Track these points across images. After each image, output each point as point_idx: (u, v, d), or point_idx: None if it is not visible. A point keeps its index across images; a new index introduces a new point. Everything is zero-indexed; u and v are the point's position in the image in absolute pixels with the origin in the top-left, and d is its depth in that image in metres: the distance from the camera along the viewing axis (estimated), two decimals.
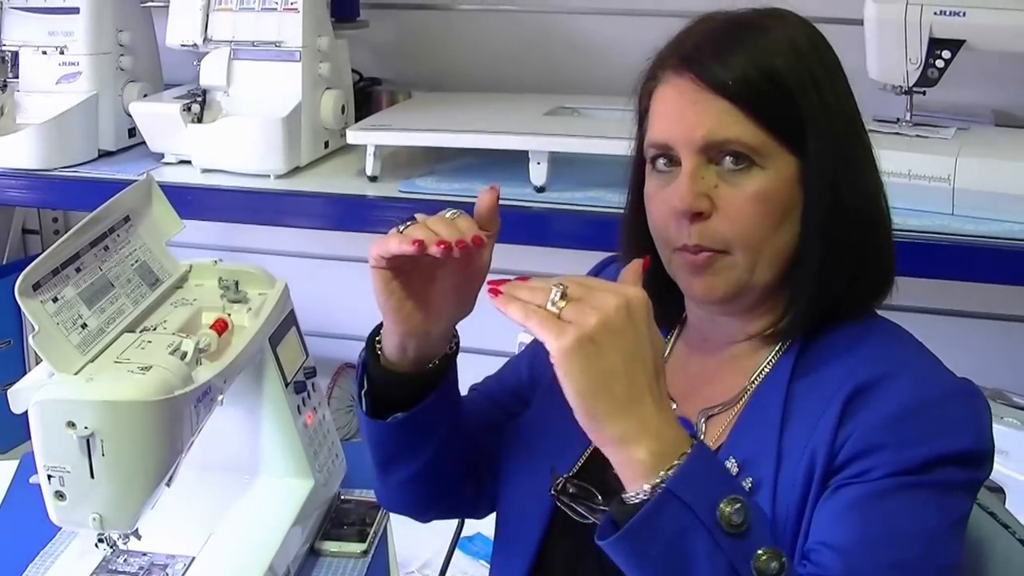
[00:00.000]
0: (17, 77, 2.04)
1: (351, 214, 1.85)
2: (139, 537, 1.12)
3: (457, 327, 1.07)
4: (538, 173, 1.75)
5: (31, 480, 1.42)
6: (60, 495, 1.06)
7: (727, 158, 0.97)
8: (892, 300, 1.05)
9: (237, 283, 1.31)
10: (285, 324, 1.38)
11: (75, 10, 1.99)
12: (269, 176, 1.89)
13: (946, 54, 1.65)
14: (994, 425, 0.97)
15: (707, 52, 0.98)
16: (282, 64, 1.91)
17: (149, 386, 1.06)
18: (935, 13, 1.64)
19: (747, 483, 0.95)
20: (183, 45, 1.97)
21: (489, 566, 1.17)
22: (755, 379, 1.02)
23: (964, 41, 1.64)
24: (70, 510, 1.07)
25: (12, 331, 2.32)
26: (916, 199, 1.58)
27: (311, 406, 1.42)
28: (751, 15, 1.02)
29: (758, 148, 0.97)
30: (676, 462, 0.86)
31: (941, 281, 1.66)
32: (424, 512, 1.20)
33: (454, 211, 0.98)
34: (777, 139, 0.97)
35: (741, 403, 1.02)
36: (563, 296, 0.86)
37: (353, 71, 2.12)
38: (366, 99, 2.20)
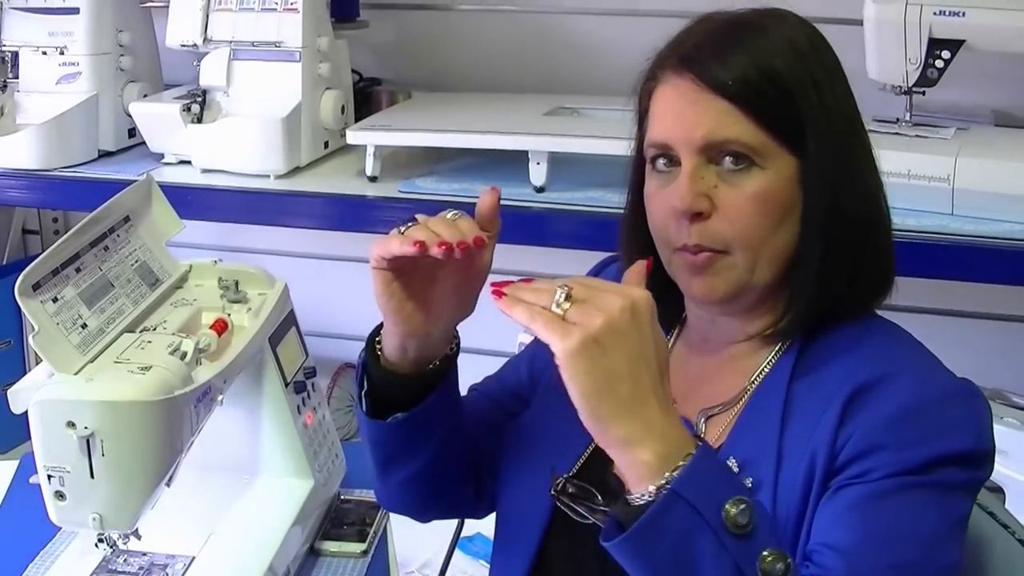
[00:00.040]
0: (17, 77, 2.04)
1: (351, 214, 1.85)
2: (139, 537, 1.12)
3: (457, 327, 1.07)
4: (538, 173, 1.75)
5: (31, 480, 1.42)
6: (60, 495, 1.06)
7: (727, 158, 0.97)
8: (892, 300, 1.05)
9: (237, 283, 1.31)
10: (285, 324, 1.38)
11: (75, 10, 1.99)
12: (269, 176, 1.89)
13: (945, 54, 1.65)
14: (994, 425, 0.97)
15: (707, 52, 0.98)
16: (282, 64, 1.91)
17: (149, 386, 1.06)
18: (935, 13, 1.64)
19: (747, 483, 0.95)
20: (183, 45, 1.97)
21: (489, 566, 1.17)
22: (755, 379, 1.02)
23: (964, 41, 1.64)
24: (70, 510, 1.07)
25: (12, 331, 2.32)
26: (916, 199, 1.58)
27: (311, 406, 1.42)
28: (751, 15, 1.02)
29: (758, 148, 0.97)
30: (681, 463, 0.86)
31: (941, 281, 1.66)
32: (424, 512, 1.20)
33: (455, 212, 0.98)
34: (777, 139, 0.97)
35: (741, 403, 1.02)
36: (567, 298, 0.86)
37: (353, 71, 2.12)
38: (366, 99, 2.20)
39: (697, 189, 0.97)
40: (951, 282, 1.74)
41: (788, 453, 0.95)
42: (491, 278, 0.95)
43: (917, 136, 1.69)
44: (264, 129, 1.87)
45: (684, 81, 0.98)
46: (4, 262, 2.55)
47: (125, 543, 1.13)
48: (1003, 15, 1.62)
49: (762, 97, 0.97)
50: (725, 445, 0.99)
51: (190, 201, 1.82)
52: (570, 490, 1.02)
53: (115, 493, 1.06)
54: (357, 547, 1.40)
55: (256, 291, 1.34)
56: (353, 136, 1.86)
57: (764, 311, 1.03)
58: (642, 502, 0.86)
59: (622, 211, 1.11)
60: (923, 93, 1.71)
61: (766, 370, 1.02)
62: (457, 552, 1.55)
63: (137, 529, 1.11)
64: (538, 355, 1.20)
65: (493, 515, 1.18)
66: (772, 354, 1.03)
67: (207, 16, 1.94)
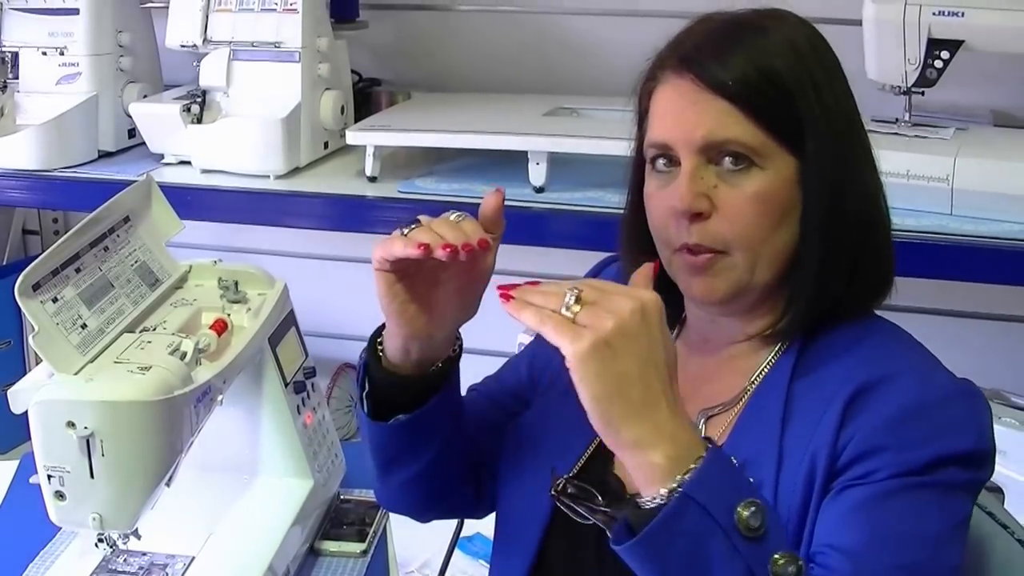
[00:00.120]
0: (17, 78, 2.04)
1: (350, 214, 1.85)
2: (139, 537, 1.12)
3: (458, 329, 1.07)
4: (537, 173, 1.75)
5: (31, 480, 1.42)
6: (60, 495, 1.06)
7: (726, 158, 0.97)
8: (892, 300, 1.05)
9: (237, 283, 1.31)
10: (284, 324, 1.38)
11: (75, 11, 1.99)
12: (269, 176, 1.89)
13: (945, 54, 1.65)
14: (994, 425, 0.97)
15: (707, 53, 0.98)
16: (281, 65, 1.91)
17: (149, 386, 1.06)
18: (934, 13, 1.64)
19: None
20: (183, 46, 1.97)
21: (489, 566, 1.17)
22: (755, 379, 1.02)
23: (963, 41, 1.64)
24: (70, 510, 1.07)
25: (12, 331, 2.32)
26: (915, 199, 1.58)
27: (310, 406, 1.42)
28: (751, 16, 1.02)
29: (757, 148, 0.97)
30: (692, 466, 0.86)
31: (940, 281, 1.66)
32: (424, 512, 1.20)
33: (458, 213, 0.97)
34: (776, 140, 0.97)
35: (741, 403, 1.02)
36: (577, 300, 0.86)
37: (352, 72, 2.12)
38: (365, 100, 2.20)
39: (697, 189, 0.97)
40: (950, 282, 1.74)
41: (789, 453, 0.95)
42: (497, 280, 0.95)
43: (916, 136, 1.69)
44: (264, 129, 1.88)
45: (684, 81, 0.98)
46: (4, 262, 2.55)
47: (125, 543, 1.13)
48: (1002, 15, 1.62)
49: (762, 97, 0.97)
50: (726, 445, 0.99)
51: (190, 201, 1.82)
52: (570, 490, 1.02)
53: (115, 493, 1.06)
54: (357, 547, 1.40)
55: (256, 291, 1.34)
56: (353, 136, 1.86)
57: (764, 311, 1.03)
58: (653, 505, 0.86)
59: (622, 211, 1.11)
60: (922, 93, 1.71)
61: (766, 370, 1.02)
62: (457, 552, 1.55)
63: (137, 529, 1.11)
64: (537, 355, 1.20)
65: (493, 515, 1.18)
66: (772, 354, 1.03)
67: (207, 17, 1.94)
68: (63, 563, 1.29)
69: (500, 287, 0.90)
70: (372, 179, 1.86)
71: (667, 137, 0.99)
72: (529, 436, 1.13)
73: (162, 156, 1.99)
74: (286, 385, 1.37)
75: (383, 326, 1.05)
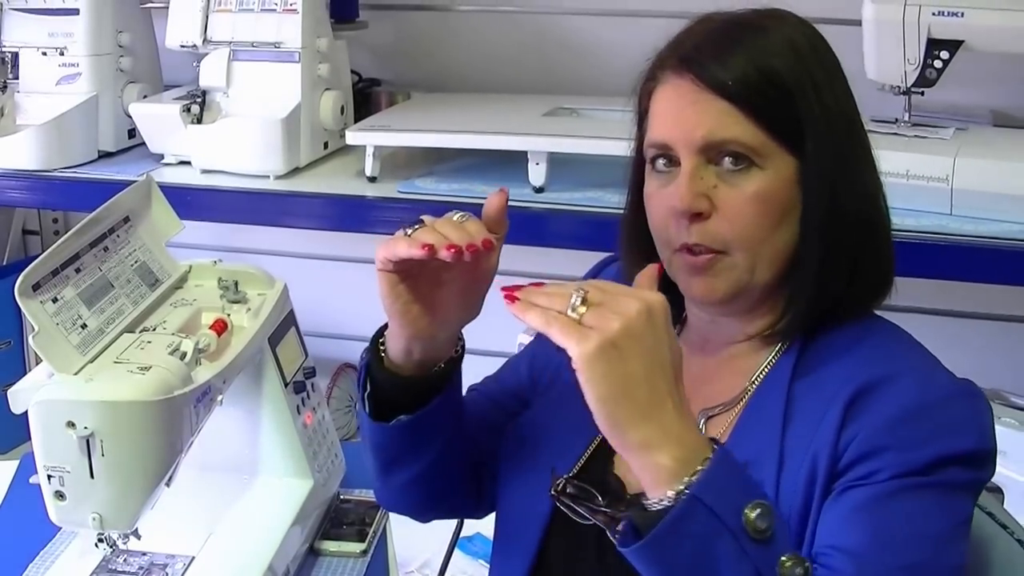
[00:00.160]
0: (17, 78, 2.04)
1: (350, 215, 1.85)
2: (139, 537, 1.12)
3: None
4: (537, 174, 1.76)
5: (31, 480, 1.42)
6: (60, 495, 1.06)
7: (726, 158, 0.97)
8: (891, 300, 1.05)
9: (236, 283, 1.31)
10: (284, 324, 1.38)
11: (75, 11, 1.99)
12: (268, 177, 1.89)
13: (944, 54, 1.65)
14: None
15: (707, 53, 0.98)
16: (281, 65, 1.91)
17: (149, 386, 1.06)
18: (933, 14, 1.64)
19: None
20: (183, 46, 1.97)
21: (488, 566, 1.17)
22: (755, 379, 1.02)
23: (962, 42, 1.64)
24: (70, 510, 1.07)
25: (12, 332, 2.32)
26: (914, 199, 1.58)
27: (310, 406, 1.42)
28: (750, 16, 1.02)
29: (757, 148, 0.97)
30: (700, 467, 0.85)
31: (939, 281, 1.66)
32: (424, 512, 1.20)
33: (461, 213, 0.97)
34: (776, 140, 0.97)
35: (742, 403, 1.02)
36: (583, 301, 0.85)
37: (352, 72, 2.12)
38: (365, 100, 2.20)
39: (696, 189, 0.97)
40: (950, 282, 1.74)
41: (790, 453, 0.95)
42: (501, 281, 0.94)
43: (916, 136, 1.69)
44: (264, 130, 1.88)
45: (684, 81, 0.98)
46: (4, 263, 2.55)
47: (125, 543, 1.13)
48: (1002, 15, 1.62)
49: (762, 97, 0.97)
50: (727, 445, 0.99)
51: (190, 201, 1.82)
52: (570, 491, 1.02)
53: (115, 493, 1.06)
54: (357, 547, 1.40)
55: (256, 291, 1.34)
56: (352, 137, 1.87)
57: (764, 311, 1.03)
58: (660, 507, 0.85)
59: (621, 211, 1.11)
60: (922, 93, 1.71)
61: (766, 370, 1.02)
62: (457, 552, 1.55)
63: (137, 529, 1.11)
64: (537, 355, 1.20)
65: (493, 515, 1.17)
66: (772, 354, 1.03)
67: (207, 17, 1.94)
68: (63, 563, 1.29)
69: (504, 288, 0.89)
70: (372, 179, 1.86)
71: (667, 137, 0.99)
72: (529, 436, 1.13)
73: (162, 156, 2.00)
74: (286, 385, 1.37)
75: (385, 326, 1.05)
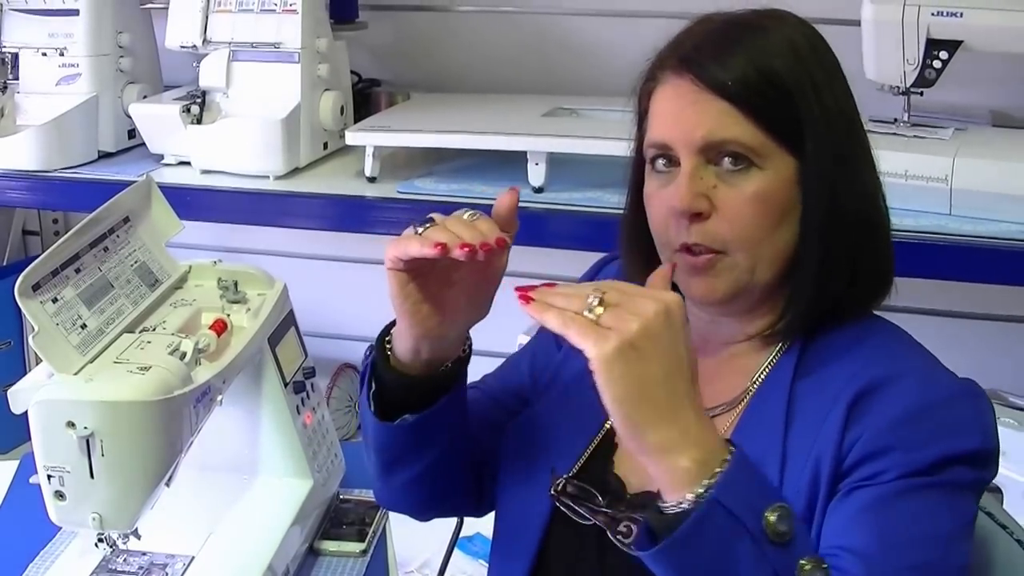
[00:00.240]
0: (17, 79, 2.05)
1: (350, 215, 1.85)
2: (139, 537, 1.12)
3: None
4: (536, 174, 1.76)
5: (31, 480, 1.42)
6: (60, 495, 1.06)
7: (726, 159, 0.97)
8: (890, 300, 1.05)
9: (236, 283, 1.31)
10: (284, 324, 1.38)
11: (75, 12, 2.00)
12: (268, 177, 1.89)
13: (943, 55, 1.65)
14: None
15: (706, 53, 0.98)
16: (281, 65, 1.92)
17: (148, 386, 1.06)
18: (932, 14, 1.64)
19: None
20: (182, 47, 1.97)
21: (487, 566, 1.17)
22: (757, 379, 1.02)
23: (961, 42, 1.64)
24: (70, 510, 1.07)
25: (12, 332, 2.32)
26: (913, 199, 1.58)
27: (310, 406, 1.42)
28: (750, 16, 1.02)
29: (757, 149, 0.97)
30: (718, 469, 0.84)
31: (939, 281, 1.66)
32: (425, 512, 1.20)
33: (472, 212, 0.96)
34: (776, 140, 0.97)
35: (743, 404, 1.02)
36: (600, 302, 0.85)
37: (352, 72, 2.12)
38: (365, 100, 2.20)
39: (696, 189, 0.97)
40: (949, 282, 1.74)
41: (792, 454, 0.95)
42: (512, 282, 0.94)
43: (915, 136, 1.69)
44: (263, 130, 1.88)
45: (683, 82, 0.98)
46: (4, 263, 2.55)
47: (125, 543, 1.13)
48: (1001, 15, 1.62)
49: (761, 98, 0.96)
50: None
51: (189, 202, 1.82)
52: (570, 490, 1.02)
53: (115, 493, 1.06)
54: (356, 547, 1.40)
55: (255, 291, 1.34)
56: (352, 137, 1.87)
57: (764, 311, 1.03)
58: (679, 510, 0.84)
59: (621, 211, 1.11)
60: (921, 93, 1.71)
61: (767, 370, 1.02)
62: (457, 552, 1.55)
63: (137, 529, 1.11)
64: (538, 354, 1.20)
65: (492, 514, 1.17)
66: (773, 354, 1.03)
67: (206, 17, 1.95)
68: (63, 563, 1.29)
69: (518, 288, 0.88)
70: (371, 179, 1.86)
71: (667, 137, 0.99)
72: (529, 435, 1.13)
73: (162, 157, 2.00)
74: (285, 385, 1.37)
75: (391, 325, 1.04)
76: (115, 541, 1.12)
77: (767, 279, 1.00)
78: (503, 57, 2.22)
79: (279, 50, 1.91)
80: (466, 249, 0.91)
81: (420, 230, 0.94)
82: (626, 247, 1.10)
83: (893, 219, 1.05)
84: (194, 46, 1.95)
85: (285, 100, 1.90)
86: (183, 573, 1.25)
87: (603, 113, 1.92)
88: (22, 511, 1.44)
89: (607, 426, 1.08)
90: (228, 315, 1.26)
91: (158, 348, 1.11)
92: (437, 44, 2.28)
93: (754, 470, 0.90)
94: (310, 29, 1.92)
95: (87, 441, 1.03)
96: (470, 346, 1.07)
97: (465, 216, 0.95)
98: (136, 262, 1.24)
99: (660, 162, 1.01)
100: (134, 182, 1.27)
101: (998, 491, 1.53)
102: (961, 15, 1.63)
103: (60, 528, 1.22)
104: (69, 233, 1.13)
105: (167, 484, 1.11)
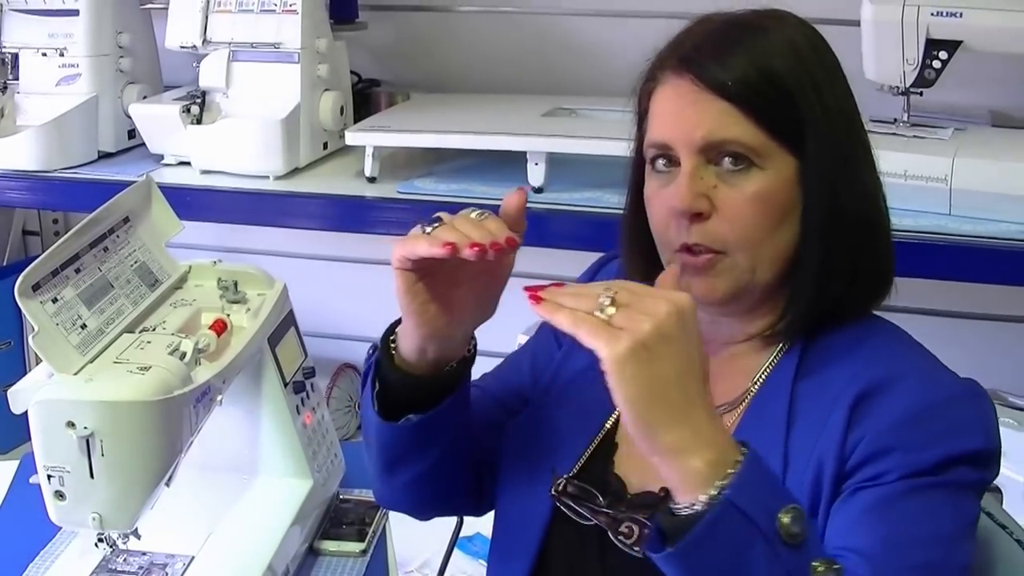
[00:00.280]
0: (17, 79, 2.05)
1: (350, 215, 1.86)
2: (139, 537, 1.12)
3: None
4: (536, 174, 1.76)
5: (31, 480, 1.43)
6: (60, 495, 1.06)
7: (726, 159, 0.97)
8: (890, 300, 1.05)
9: (236, 283, 1.31)
10: (284, 324, 1.38)
11: (75, 12, 2.00)
12: (268, 177, 1.90)
13: (943, 55, 1.65)
14: None
15: (706, 53, 0.98)
16: (281, 66, 1.92)
17: (148, 386, 1.06)
18: (932, 14, 1.64)
19: None
20: (182, 47, 1.97)
21: (487, 565, 1.17)
22: (757, 380, 1.02)
23: (961, 42, 1.64)
24: (70, 510, 1.07)
25: (12, 332, 2.33)
26: (913, 199, 1.58)
27: (310, 406, 1.42)
28: (750, 16, 1.02)
29: (757, 149, 0.97)
30: (731, 471, 0.83)
31: (938, 281, 1.67)
32: (426, 511, 1.19)
33: (479, 211, 0.95)
34: (776, 140, 0.97)
35: (744, 404, 1.02)
36: (612, 302, 0.84)
37: (352, 72, 2.12)
38: (365, 100, 2.20)
39: (696, 189, 0.97)
40: (948, 282, 1.75)
41: (794, 454, 0.95)
42: (520, 282, 0.93)
43: (915, 136, 1.69)
44: (263, 130, 1.88)
45: (684, 82, 0.98)
46: (4, 263, 2.56)
47: (125, 543, 1.13)
48: (1001, 16, 1.63)
49: (762, 98, 0.96)
50: None
51: (189, 202, 1.82)
52: (571, 491, 1.02)
53: (115, 493, 1.06)
54: (356, 547, 1.40)
55: (255, 291, 1.34)
56: (352, 137, 1.87)
57: (765, 311, 1.03)
58: (691, 512, 0.83)
59: (621, 211, 1.10)
60: (920, 94, 1.71)
61: (768, 371, 1.02)
62: (456, 552, 1.55)
63: (137, 529, 1.11)
64: (538, 354, 1.20)
65: (492, 514, 1.17)
66: (774, 355, 1.03)
67: (206, 18, 1.95)
68: (63, 563, 1.29)
69: (528, 288, 0.87)
70: (371, 180, 1.86)
71: (667, 137, 0.99)
72: (529, 435, 1.12)
73: (162, 157, 2.00)
74: (285, 385, 1.37)
75: (395, 324, 1.03)
76: (115, 541, 1.12)
77: (767, 279, 1.00)
78: (503, 57, 2.23)
79: (279, 50, 1.91)
80: (476, 249, 0.90)
81: (428, 229, 0.93)
82: (626, 247, 1.10)
83: (892, 219, 1.05)
84: (194, 46, 1.96)
85: (285, 100, 1.90)
86: (183, 573, 1.25)
87: (603, 113, 1.92)
88: (22, 511, 1.44)
89: (607, 426, 1.08)
90: (228, 315, 1.26)
91: (158, 348, 1.11)
92: (437, 44, 2.28)
93: (767, 471, 0.89)
94: (310, 29, 1.92)
95: (87, 441, 1.03)
96: (475, 346, 1.06)
97: (473, 215, 0.94)
98: (136, 262, 1.24)
99: (660, 162, 1.01)
100: (134, 182, 1.27)
101: (998, 491, 1.53)
102: (961, 15, 1.63)
103: (60, 528, 1.22)
104: (69, 233, 1.13)
105: (167, 484, 1.11)
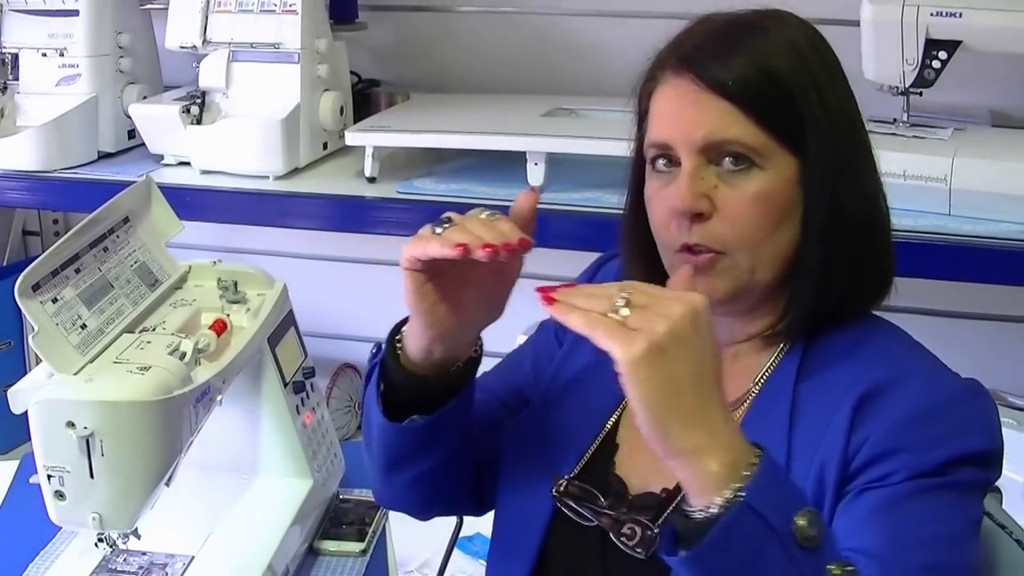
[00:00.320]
0: (17, 79, 2.05)
1: (350, 215, 1.86)
2: (139, 536, 1.12)
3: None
4: (535, 174, 1.76)
5: (31, 480, 1.43)
6: (60, 495, 1.06)
7: (727, 159, 0.97)
8: (889, 301, 1.05)
9: (236, 283, 1.31)
10: (284, 324, 1.38)
11: (75, 12, 2.00)
12: (268, 177, 1.90)
13: (943, 55, 1.65)
14: None
15: (707, 53, 0.98)
16: (281, 66, 1.92)
17: (148, 386, 1.06)
18: (932, 14, 1.64)
19: None
20: (182, 47, 1.97)
21: (486, 565, 1.17)
22: (759, 381, 1.02)
23: (961, 42, 1.64)
24: (70, 510, 1.07)
25: (13, 332, 2.33)
26: (912, 199, 1.58)
27: (310, 406, 1.42)
28: (751, 16, 1.02)
29: (758, 149, 0.97)
30: (747, 473, 0.82)
31: (937, 281, 1.67)
32: (427, 511, 1.19)
33: (489, 211, 0.94)
34: (777, 140, 0.97)
35: (746, 405, 1.02)
36: (627, 304, 0.83)
37: (351, 73, 2.12)
38: (364, 100, 2.20)
39: (697, 189, 0.97)
40: (948, 282, 1.75)
41: (797, 456, 0.95)
42: (529, 283, 0.92)
43: (914, 137, 1.69)
44: (263, 130, 1.88)
45: (684, 81, 0.98)
46: (4, 263, 2.56)
47: (125, 542, 1.13)
48: (1000, 16, 1.63)
49: (763, 98, 0.96)
50: None
51: (189, 202, 1.82)
52: (572, 491, 1.02)
53: (115, 493, 1.06)
54: (356, 546, 1.40)
55: (255, 291, 1.34)
56: (352, 137, 1.87)
57: (765, 311, 1.03)
58: (707, 515, 0.82)
59: (620, 212, 1.10)
60: (920, 94, 1.71)
61: (769, 371, 1.02)
62: (456, 551, 1.55)
63: (137, 528, 1.11)
64: (539, 353, 1.20)
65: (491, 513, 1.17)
66: (774, 355, 1.03)
67: (206, 18, 1.95)
68: (63, 563, 1.29)
69: (540, 289, 0.86)
70: (371, 180, 1.86)
71: (667, 137, 0.99)
72: (530, 435, 1.12)
73: (162, 157, 2.00)
74: (285, 385, 1.37)
75: (400, 325, 1.03)
76: (115, 541, 1.12)
77: (768, 279, 1.00)
78: (503, 57, 2.23)
79: (279, 50, 1.91)
80: (489, 250, 0.89)
81: (439, 230, 0.92)
82: (626, 247, 1.10)
83: (892, 219, 1.05)
84: (194, 46, 1.96)
85: (285, 100, 1.90)
86: (183, 573, 1.25)
87: (602, 113, 1.92)
88: (22, 511, 1.44)
89: (608, 426, 1.08)
90: (228, 315, 1.26)
91: (158, 348, 1.11)
92: (437, 44, 2.28)
93: (782, 473, 0.88)
94: (310, 29, 1.92)
95: (87, 441, 1.03)
96: (481, 346, 1.05)
97: (483, 216, 0.93)
98: (136, 262, 1.24)
99: (661, 162, 1.01)
100: (134, 182, 1.27)
101: (997, 491, 1.53)
102: (960, 15, 1.63)
103: (60, 528, 1.22)
104: (69, 233, 1.13)
105: (167, 484, 1.12)
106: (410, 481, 1.10)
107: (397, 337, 1.03)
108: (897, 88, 1.71)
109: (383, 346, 1.05)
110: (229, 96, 1.95)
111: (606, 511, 0.98)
